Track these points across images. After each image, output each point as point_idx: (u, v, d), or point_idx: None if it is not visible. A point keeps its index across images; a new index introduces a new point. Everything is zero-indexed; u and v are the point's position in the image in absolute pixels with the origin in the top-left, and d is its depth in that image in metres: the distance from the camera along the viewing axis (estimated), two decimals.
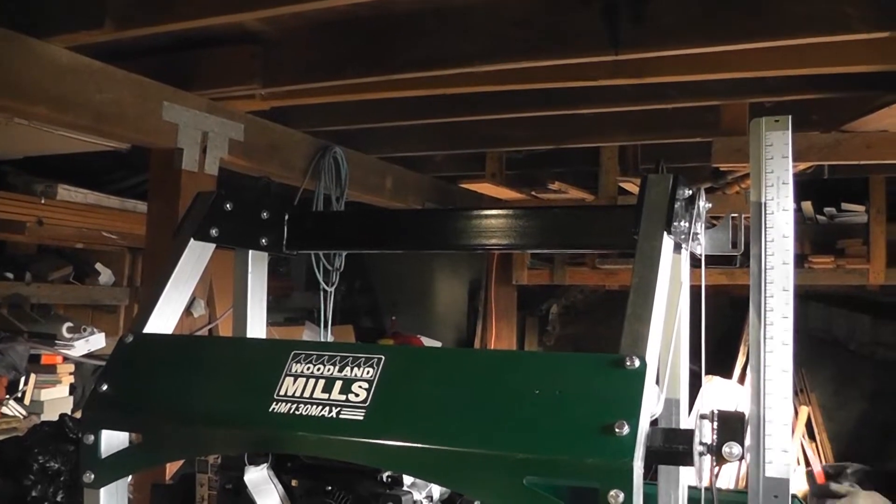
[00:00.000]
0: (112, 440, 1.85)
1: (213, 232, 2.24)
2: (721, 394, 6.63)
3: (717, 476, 1.73)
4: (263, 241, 2.44)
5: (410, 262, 9.05)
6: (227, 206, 2.30)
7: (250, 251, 2.44)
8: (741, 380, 6.99)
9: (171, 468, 3.30)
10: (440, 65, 3.76)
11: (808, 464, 7.22)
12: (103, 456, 1.83)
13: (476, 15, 3.58)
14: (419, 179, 6.68)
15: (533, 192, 6.52)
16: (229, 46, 4.07)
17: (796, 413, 6.75)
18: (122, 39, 3.60)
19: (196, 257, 2.21)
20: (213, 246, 2.26)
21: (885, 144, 4.57)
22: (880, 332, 7.83)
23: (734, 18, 3.26)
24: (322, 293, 5.44)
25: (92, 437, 1.83)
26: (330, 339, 5.76)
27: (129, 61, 3.97)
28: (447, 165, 6.78)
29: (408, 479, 1.94)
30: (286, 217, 2.50)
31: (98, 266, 6.72)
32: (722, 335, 7.34)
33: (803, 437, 7.26)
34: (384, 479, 1.93)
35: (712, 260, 2.28)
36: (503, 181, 6.23)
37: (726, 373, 7.05)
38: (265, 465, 1.97)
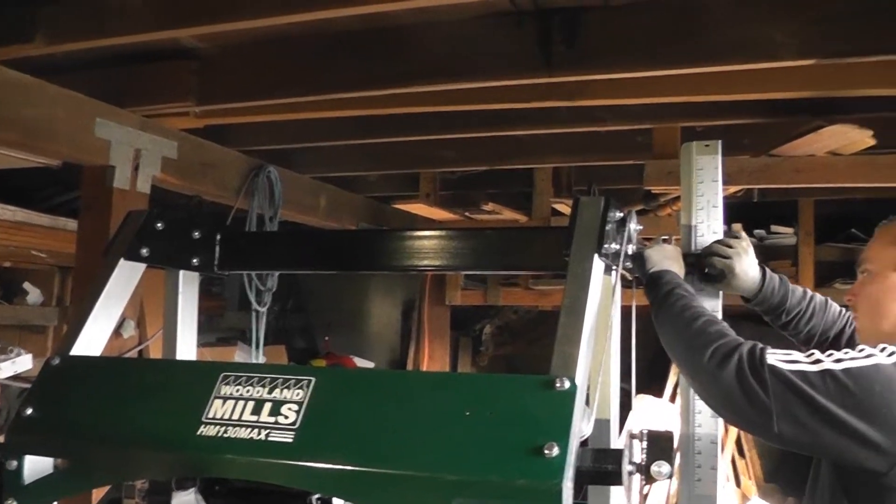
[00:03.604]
0: (36, 466, 1.81)
1: (144, 251, 2.21)
2: (652, 412, 6.68)
3: (647, 496, 1.74)
4: (195, 261, 2.41)
5: (344, 283, 9.01)
6: (159, 225, 2.27)
7: (181, 271, 2.41)
8: (672, 398, 7.06)
9: (98, 493, 3.24)
10: (373, 85, 3.77)
11: (738, 482, 7.31)
12: (27, 482, 1.79)
13: (408, 35, 3.59)
14: (353, 199, 6.67)
15: (467, 213, 6.55)
16: (164, 62, 4.01)
17: (726, 430, 6.82)
18: (56, 54, 3.54)
19: (126, 277, 2.18)
20: (143, 266, 2.23)
21: (813, 169, 4.65)
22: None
23: (665, 44, 3.30)
24: (254, 313, 5.40)
25: (15, 463, 1.79)
26: (262, 359, 5.70)
27: (64, 76, 3.91)
28: (381, 186, 6.78)
29: (338, 502, 1.93)
30: (218, 237, 2.47)
31: (26, 285, 6.56)
32: (653, 355, 7.39)
33: (733, 453, 7.34)
34: (314, 503, 1.91)
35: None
36: (437, 202, 6.25)
37: (658, 391, 7.10)
38: (193, 489, 1.94)
